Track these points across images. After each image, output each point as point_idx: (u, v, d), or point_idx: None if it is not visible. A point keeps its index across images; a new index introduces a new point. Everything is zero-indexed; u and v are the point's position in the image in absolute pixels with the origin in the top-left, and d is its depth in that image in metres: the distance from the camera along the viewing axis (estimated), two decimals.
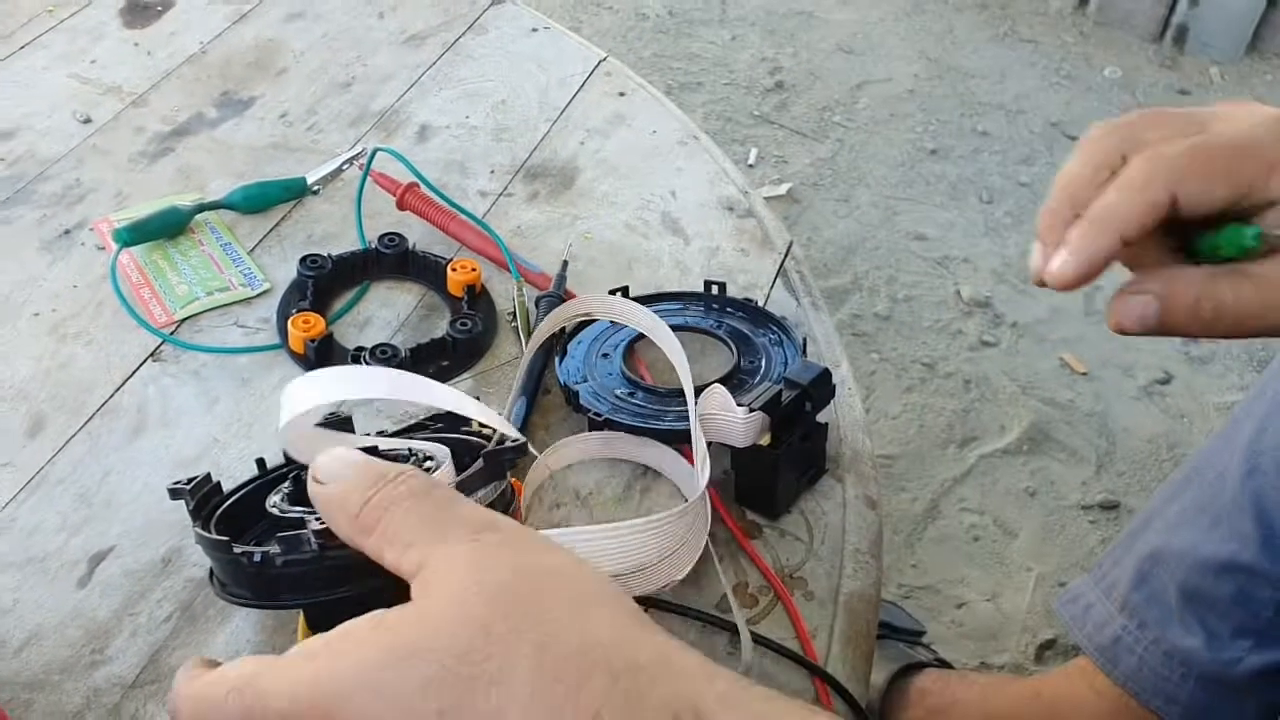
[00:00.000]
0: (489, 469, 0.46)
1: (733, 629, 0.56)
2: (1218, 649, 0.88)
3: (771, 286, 0.77)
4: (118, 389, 0.66)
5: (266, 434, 0.64)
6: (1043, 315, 1.64)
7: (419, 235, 0.76)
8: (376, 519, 0.36)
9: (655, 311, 0.72)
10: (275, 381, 0.67)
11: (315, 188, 0.81)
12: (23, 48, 0.93)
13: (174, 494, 0.52)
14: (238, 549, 0.45)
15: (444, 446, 0.48)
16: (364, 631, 0.33)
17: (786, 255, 0.80)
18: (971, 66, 2.13)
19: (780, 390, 0.60)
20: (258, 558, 0.44)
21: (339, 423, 0.53)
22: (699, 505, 0.56)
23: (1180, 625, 0.90)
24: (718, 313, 0.72)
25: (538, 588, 0.33)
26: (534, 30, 0.99)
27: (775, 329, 0.70)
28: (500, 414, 0.55)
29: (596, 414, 0.63)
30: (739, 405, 0.59)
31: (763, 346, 0.69)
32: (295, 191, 0.80)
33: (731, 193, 0.85)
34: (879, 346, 1.58)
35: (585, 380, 0.66)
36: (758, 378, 0.66)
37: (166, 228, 0.75)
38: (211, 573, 0.50)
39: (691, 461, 0.61)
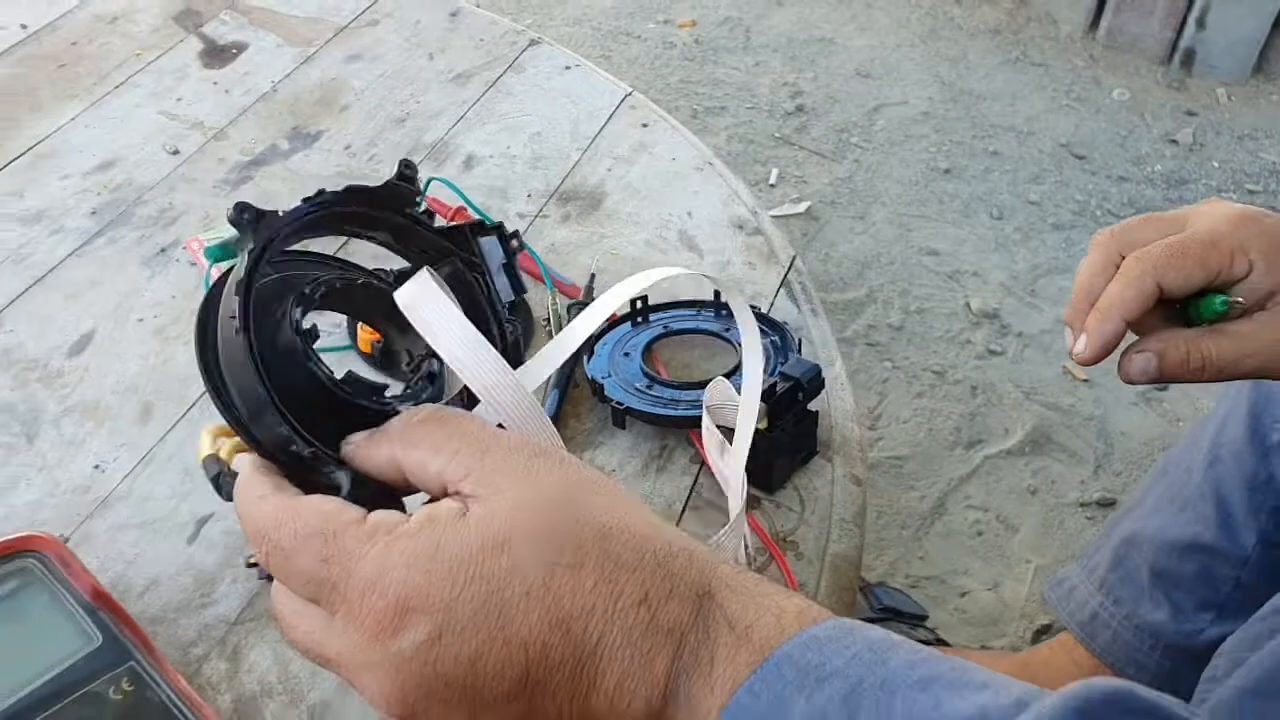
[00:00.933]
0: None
1: None
2: (1182, 621, 0.97)
3: (775, 295, 0.88)
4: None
5: None
6: (1047, 326, 1.73)
7: None
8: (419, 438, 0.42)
9: (671, 316, 0.83)
10: None
11: None
12: (117, 88, 1.06)
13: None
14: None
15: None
16: (448, 522, 0.39)
17: (790, 268, 0.91)
18: (984, 90, 2.23)
19: (776, 382, 0.71)
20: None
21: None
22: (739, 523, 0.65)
23: (1150, 601, 1.00)
24: (726, 318, 0.83)
25: (586, 492, 0.41)
26: (566, 68, 1.11)
27: (775, 332, 0.80)
28: None
29: (619, 403, 0.74)
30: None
31: (763, 347, 0.79)
32: None
33: (742, 213, 0.95)
34: (892, 355, 1.68)
35: (609, 375, 0.77)
36: None
37: None
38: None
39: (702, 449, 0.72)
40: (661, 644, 0.39)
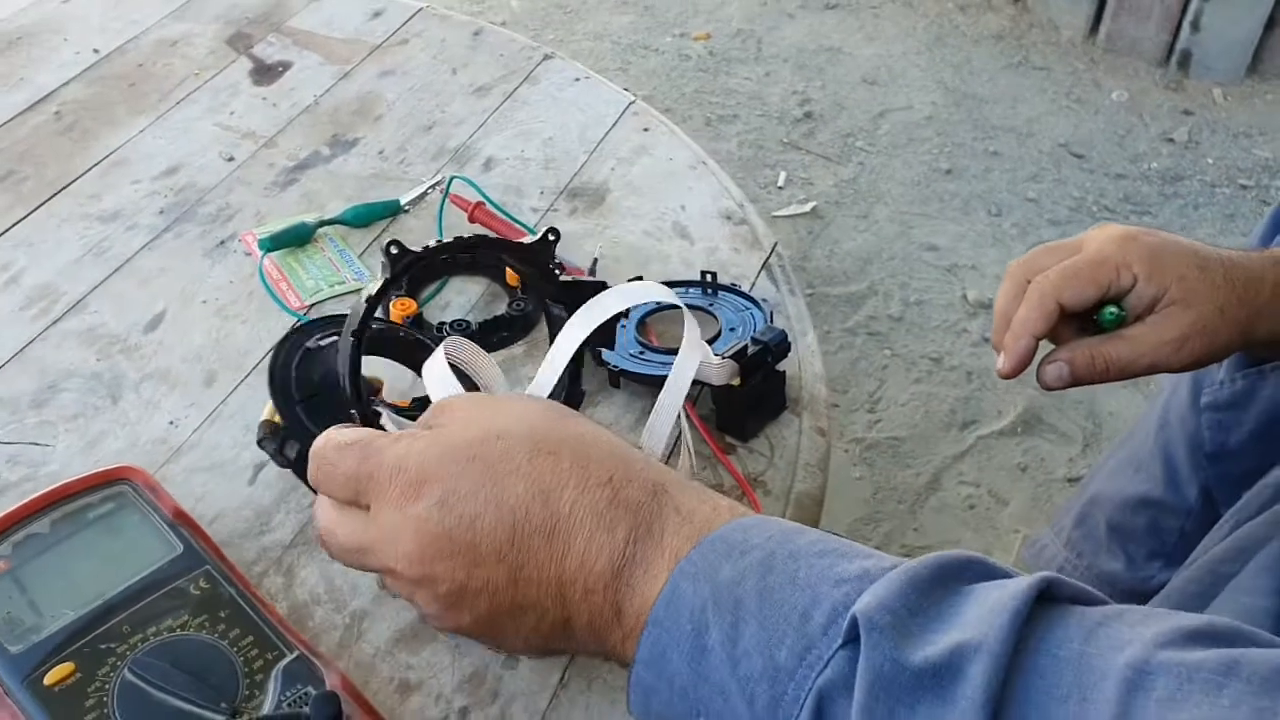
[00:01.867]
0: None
1: None
2: (1135, 570, 1.08)
3: (757, 277, 0.99)
4: (266, 354, 0.91)
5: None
6: None
7: None
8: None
9: None
10: None
11: (407, 207, 1.05)
12: (178, 103, 1.19)
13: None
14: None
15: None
16: (457, 426, 0.53)
17: (771, 253, 1.02)
18: (986, 93, 2.33)
19: (746, 345, 0.82)
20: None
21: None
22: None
23: (1107, 553, 1.10)
24: (710, 295, 0.94)
25: (567, 414, 0.55)
26: (576, 80, 1.23)
27: (752, 305, 0.92)
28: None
29: (614, 367, 0.86)
30: (715, 355, 0.81)
31: (741, 318, 0.91)
32: (391, 210, 1.05)
33: (730, 205, 1.07)
34: (891, 344, 1.79)
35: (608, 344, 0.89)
36: (734, 338, 0.88)
37: (297, 238, 1.00)
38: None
39: None
40: (622, 516, 0.51)
